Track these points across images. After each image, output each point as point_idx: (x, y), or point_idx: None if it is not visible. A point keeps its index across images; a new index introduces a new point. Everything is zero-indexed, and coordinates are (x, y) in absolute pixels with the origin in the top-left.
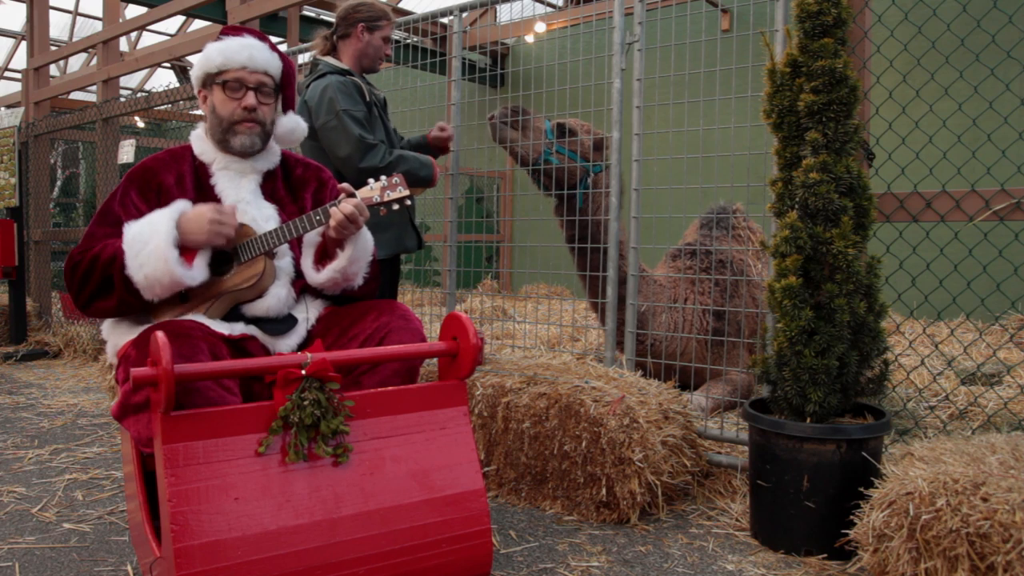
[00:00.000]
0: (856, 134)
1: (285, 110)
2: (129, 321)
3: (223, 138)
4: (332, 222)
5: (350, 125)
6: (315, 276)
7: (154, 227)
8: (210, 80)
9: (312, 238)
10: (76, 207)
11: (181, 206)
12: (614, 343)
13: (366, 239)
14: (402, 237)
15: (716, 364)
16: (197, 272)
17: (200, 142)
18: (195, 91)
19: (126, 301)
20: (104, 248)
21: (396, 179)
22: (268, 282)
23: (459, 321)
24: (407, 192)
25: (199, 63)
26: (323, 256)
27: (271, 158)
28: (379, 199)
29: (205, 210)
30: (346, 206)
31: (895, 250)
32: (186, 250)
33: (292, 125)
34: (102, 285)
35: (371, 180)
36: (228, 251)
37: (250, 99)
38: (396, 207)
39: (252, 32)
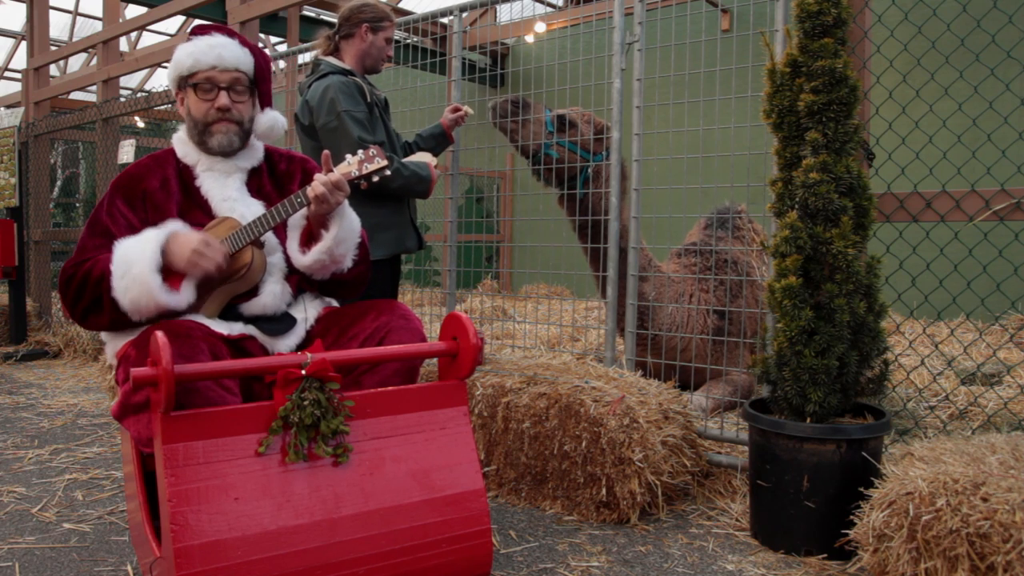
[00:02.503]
0: (856, 134)
1: (262, 106)
2: None
3: (201, 140)
4: (310, 193)
5: (350, 126)
6: (301, 259)
7: (139, 251)
8: (184, 83)
9: (297, 222)
10: (76, 207)
11: (171, 227)
12: (614, 342)
13: (351, 220)
14: (403, 237)
15: (717, 364)
16: (184, 296)
17: (182, 144)
18: (173, 94)
19: (117, 320)
20: (95, 265)
21: (373, 151)
22: (258, 272)
23: (459, 321)
24: (385, 162)
25: (171, 67)
26: (310, 240)
27: (254, 155)
28: (357, 172)
29: (193, 239)
30: (322, 178)
31: (895, 250)
32: (174, 273)
33: (270, 122)
34: (94, 303)
35: (348, 155)
36: None
37: (223, 99)
38: (376, 179)
39: (220, 29)
